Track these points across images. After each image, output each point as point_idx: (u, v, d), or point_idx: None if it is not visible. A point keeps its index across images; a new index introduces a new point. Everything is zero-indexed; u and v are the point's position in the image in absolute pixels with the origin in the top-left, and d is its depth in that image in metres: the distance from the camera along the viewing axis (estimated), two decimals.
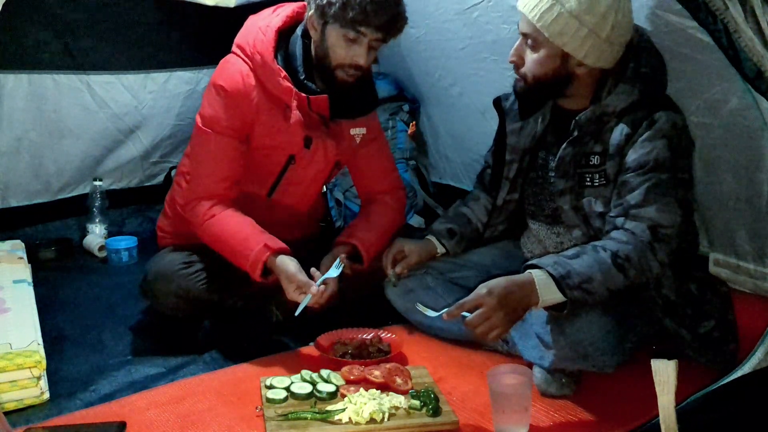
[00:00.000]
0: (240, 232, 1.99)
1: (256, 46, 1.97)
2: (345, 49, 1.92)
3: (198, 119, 2.05)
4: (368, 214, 2.24)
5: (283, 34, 2.01)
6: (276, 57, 1.97)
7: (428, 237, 2.09)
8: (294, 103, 1.98)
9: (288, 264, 1.90)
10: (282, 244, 1.95)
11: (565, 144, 1.79)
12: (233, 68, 2.01)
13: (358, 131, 2.15)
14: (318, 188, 2.27)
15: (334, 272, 1.92)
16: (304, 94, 1.97)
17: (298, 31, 2.01)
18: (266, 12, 2.07)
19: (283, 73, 1.96)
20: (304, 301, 1.86)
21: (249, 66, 1.99)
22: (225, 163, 2.02)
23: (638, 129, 1.70)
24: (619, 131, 1.73)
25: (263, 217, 2.05)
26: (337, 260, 1.96)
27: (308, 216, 2.35)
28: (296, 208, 2.23)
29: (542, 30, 1.68)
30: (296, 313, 1.88)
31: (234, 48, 2.05)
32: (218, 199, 2.02)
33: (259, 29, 2.00)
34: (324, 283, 1.95)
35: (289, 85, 1.96)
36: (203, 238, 2.04)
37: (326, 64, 1.96)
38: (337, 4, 1.87)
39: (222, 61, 2.06)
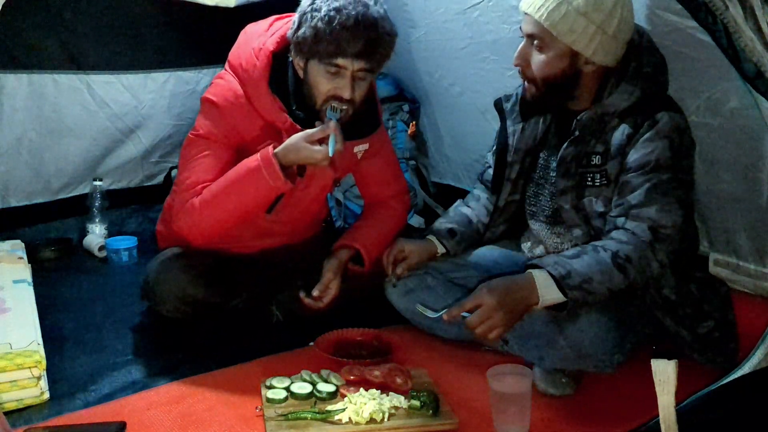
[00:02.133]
0: (230, 173, 1.91)
1: (249, 71, 1.92)
2: (328, 85, 1.86)
3: (190, 132, 2.02)
4: (371, 216, 2.23)
5: (278, 56, 1.95)
6: (270, 83, 1.91)
7: (429, 237, 2.08)
8: (285, 135, 1.92)
9: (294, 135, 1.85)
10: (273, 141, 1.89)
11: (566, 143, 1.79)
12: (226, 86, 1.97)
13: (360, 148, 2.11)
14: (319, 204, 2.26)
15: (331, 150, 1.82)
16: (298, 126, 1.92)
17: (291, 56, 1.96)
18: (261, 27, 2.01)
19: (278, 102, 1.91)
20: (332, 142, 1.80)
21: (241, 87, 1.94)
22: (212, 165, 1.96)
23: (640, 129, 1.70)
24: (621, 131, 1.73)
25: (264, 228, 2.04)
26: (332, 136, 1.83)
27: (310, 222, 2.33)
28: (297, 223, 2.22)
29: (550, 29, 1.68)
30: (331, 154, 1.80)
31: (227, 66, 2.00)
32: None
33: (253, 52, 1.93)
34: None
35: (285, 116, 1.92)
36: (207, 222, 1.95)
37: (313, 103, 1.91)
38: (310, 39, 1.82)
39: (215, 77, 2.03)
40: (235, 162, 1.98)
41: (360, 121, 2.02)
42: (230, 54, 2.01)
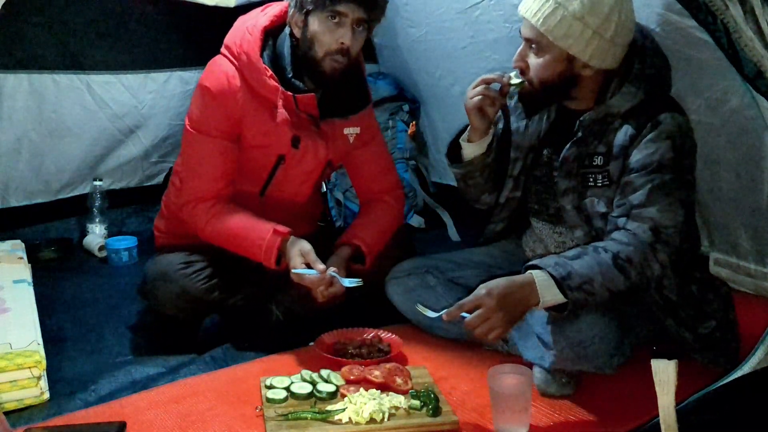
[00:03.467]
0: (245, 226, 2.01)
1: (243, 45, 1.98)
2: (329, 34, 1.92)
3: (186, 120, 2.07)
4: (368, 213, 2.24)
5: (270, 34, 2.02)
6: (262, 56, 1.97)
7: None
8: (280, 102, 1.98)
9: (303, 243, 1.97)
10: (288, 228, 2.00)
11: (569, 144, 1.79)
12: (219, 69, 2.01)
13: (351, 131, 2.14)
14: (311, 186, 2.26)
15: (347, 283, 1.94)
16: (290, 93, 1.96)
17: (287, 29, 2.02)
18: (255, 11, 2.07)
19: (269, 72, 1.96)
20: (306, 271, 1.92)
21: (235, 66, 2.00)
22: (217, 164, 2.03)
23: (643, 130, 1.70)
24: (624, 132, 1.72)
25: (257, 214, 2.05)
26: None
27: (303, 213, 2.34)
28: (290, 206, 2.22)
29: (546, 34, 1.68)
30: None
31: (222, 49, 2.05)
32: (215, 199, 2.04)
33: (246, 29, 2.00)
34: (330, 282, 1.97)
35: (275, 83, 1.96)
36: (207, 239, 2.05)
37: (313, 56, 1.96)
38: None
39: (210, 62, 2.06)
40: (233, 151, 2.03)
41: (345, 97, 2.07)
42: (226, 37, 2.06)
